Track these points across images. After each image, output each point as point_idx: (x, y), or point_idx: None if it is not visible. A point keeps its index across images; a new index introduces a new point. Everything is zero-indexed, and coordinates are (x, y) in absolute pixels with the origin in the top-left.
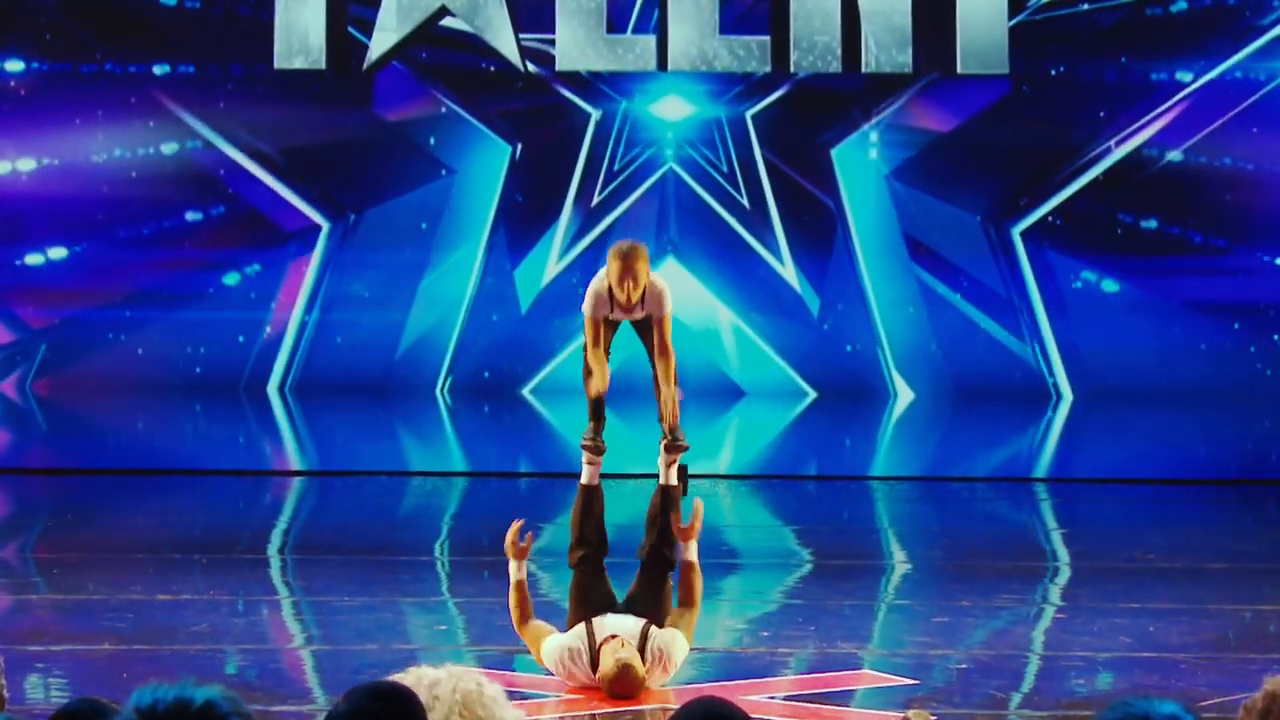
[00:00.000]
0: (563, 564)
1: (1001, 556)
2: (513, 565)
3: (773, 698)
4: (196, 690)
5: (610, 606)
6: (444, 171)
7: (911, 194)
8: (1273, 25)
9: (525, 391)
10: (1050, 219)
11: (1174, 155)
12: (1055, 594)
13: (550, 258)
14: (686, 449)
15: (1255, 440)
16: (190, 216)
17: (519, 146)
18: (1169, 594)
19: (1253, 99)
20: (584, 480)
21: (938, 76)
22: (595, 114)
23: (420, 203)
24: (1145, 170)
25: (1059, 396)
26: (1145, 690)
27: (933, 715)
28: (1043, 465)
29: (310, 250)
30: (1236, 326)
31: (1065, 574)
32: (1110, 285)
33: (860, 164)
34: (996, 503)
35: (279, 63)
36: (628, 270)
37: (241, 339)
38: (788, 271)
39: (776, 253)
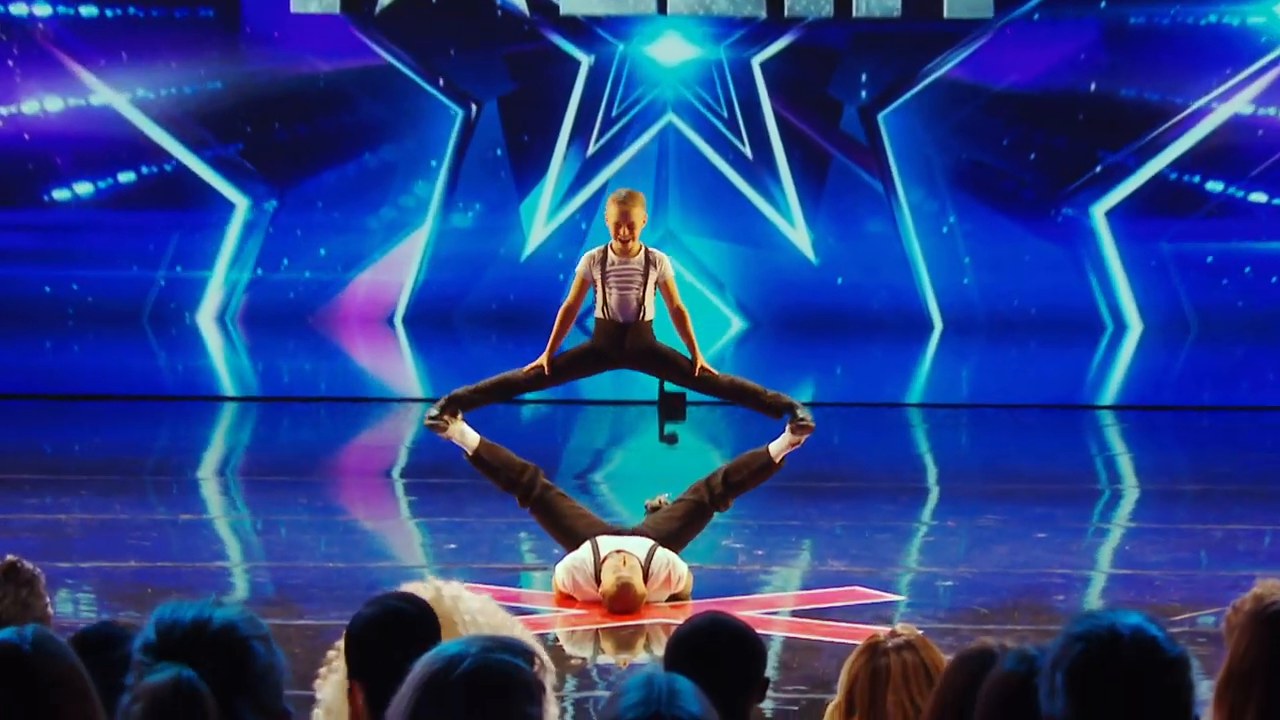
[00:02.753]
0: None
1: (989, 479)
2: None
3: (769, 613)
4: (216, 610)
5: (612, 529)
6: (401, 127)
7: (947, 145)
8: None
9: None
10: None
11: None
12: (1040, 516)
13: (538, 216)
14: (813, 429)
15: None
16: (123, 178)
17: (493, 101)
18: (1140, 514)
19: None
20: (469, 452)
21: (1003, 20)
22: (587, 60)
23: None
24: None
25: (1121, 327)
26: (1117, 604)
27: (918, 629)
28: (1099, 393)
29: (262, 206)
30: None
31: (1052, 496)
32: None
33: (892, 119)
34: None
35: (294, 7)
36: (624, 215)
37: (179, 268)
38: (799, 234)
39: (784, 209)
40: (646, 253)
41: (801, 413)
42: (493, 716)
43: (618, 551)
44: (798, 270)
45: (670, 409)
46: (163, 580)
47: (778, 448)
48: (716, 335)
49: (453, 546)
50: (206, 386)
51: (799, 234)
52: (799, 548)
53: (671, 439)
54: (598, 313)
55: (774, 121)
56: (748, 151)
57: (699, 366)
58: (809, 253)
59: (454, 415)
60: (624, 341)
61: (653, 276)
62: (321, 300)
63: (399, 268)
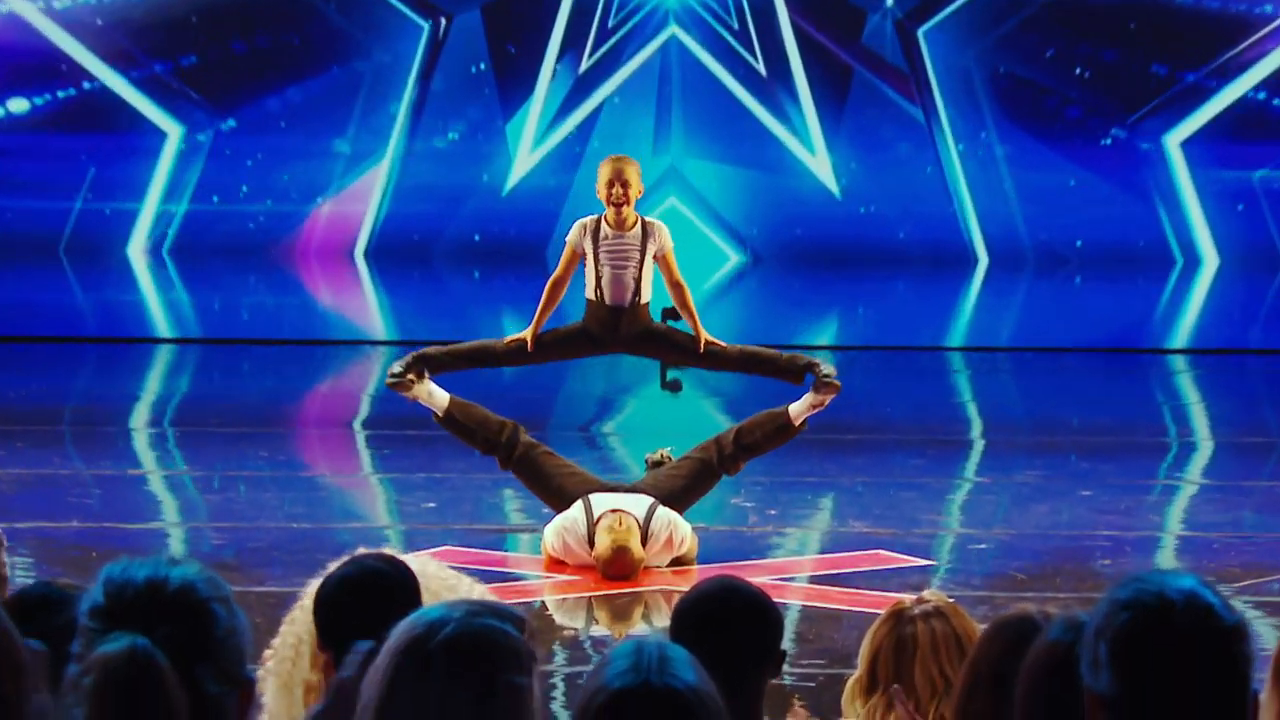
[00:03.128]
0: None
1: (1028, 430)
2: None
3: (783, 579)
4: (172, 569)
5: (607, 486)
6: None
7: (989, 61)
8: None
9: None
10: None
11: None
12: (1084, 471)
13: (525, 139)
14: (839, 389)
15: None
16: (38, 100)
17: (475, 11)
18: (1206, 470)
19: None
20: (439, 413)
21: None
22: None
23: (333, 84)
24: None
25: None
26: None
27: (949, 598)
28: (1168, 335)
29: (202, 132)
30: None
31: (1098, 450)
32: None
33: (930, 34)
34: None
35: None
36: (616, 173)
37: (108, 212)
38: (818, 161)
39: (802, 133)
40: (643, 224)
41: (825, 369)
42: (478, 687)
43: (613, 510)
44: (817, 200)
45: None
46: (109, 542)
47: (799, 409)
48: (719, 271)
49: (431, 505)
50: (137, 327)
51: (819, 160)
52: (817, 507)
53: (675, 386)
54: (589, 293)
55: (791, 34)
56: (761, 68)
57: (704, 342)
58: (829, 181)
59: (420, 375)
60: (618, 326)
61: (650, 250)
62: (274, 234)
63: (361, 198)
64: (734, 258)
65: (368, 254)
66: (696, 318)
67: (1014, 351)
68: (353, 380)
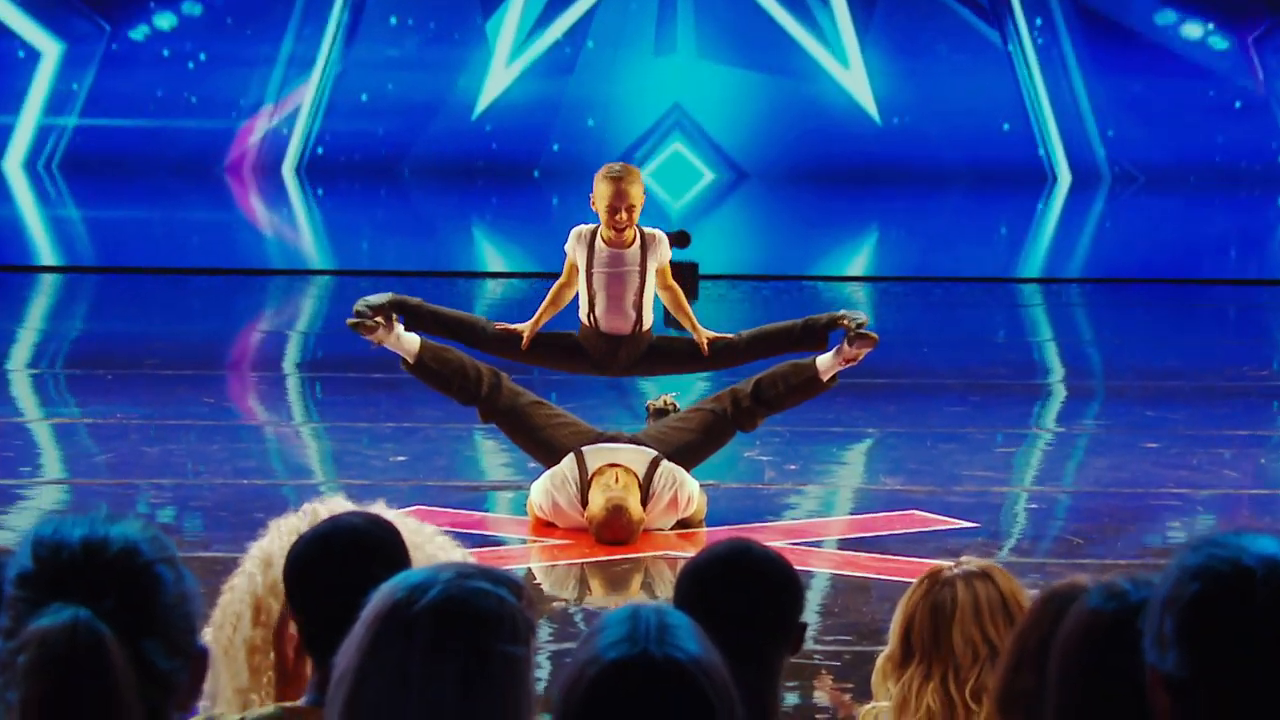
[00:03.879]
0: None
1: (1086, 372)
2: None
3: (805, 543)
4: (110, 528)
5: (603, 436)
6: None
7: None
8: None
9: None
10: None
11: None
12: (1150, 420)
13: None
14: (876, 341)
15: None
16: None
17: None
18: None
19: None
20: (409, 359)
21: None
22: None
23: None
24: None
25: None
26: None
27: (997, 564)
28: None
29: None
30: None
31: (1166, 395)
32: None
33: None
34: (1138, 307)
35: None
36: (620, 195)
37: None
38: (852, 73)
39: (829, 33)
40: (642, 237)
41: (855, 319)
42: (467, 656)
43: (610, 465)
44: (846, 109)
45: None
46: (18, 500)
47: (828, 362)
48: (728, 192)
49: (401, 459)
50: (13, 253)
51: (852, 69)
52: (843, 461)
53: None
54: (582, 315)
55: None
56: None
57: (707, 341)
58: (861, 86)
59: (390, 322)
60: (618, 353)
61: (651, 266)
62: (195, 150)
63: (294, 110)
64: (746, 176)
65: (299, 172)
66: (694, 319)
67: (1085, 283)
68: (295, 314)
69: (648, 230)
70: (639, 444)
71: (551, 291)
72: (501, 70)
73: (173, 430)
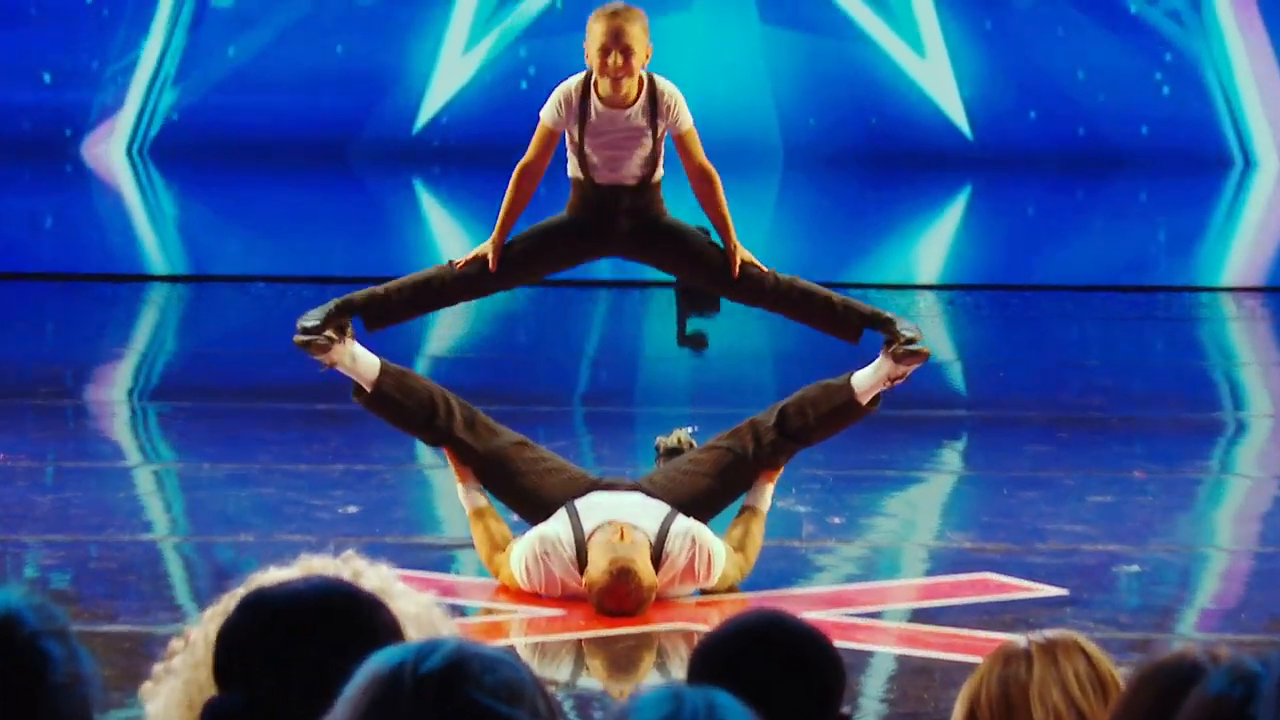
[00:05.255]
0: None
1: (1194, 402)
2: (460, 491)
3: (850, 615)
4: None
5: (600, 484)
6: None
7: None
8: None
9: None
10: None
11: None
12: (1274, 460)
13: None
14: (927, 356)
15: None
16: None
17: None
18: None
19: None
20: (365, 386)
21: None
22: None
23: None
24: None
25: None
26: None
27: (1090, 640)
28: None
29: None
30: None
31: None
32: None
33: None
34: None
35: None
36: (615, 33)
37: (48, 78)
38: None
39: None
40: (650, 91)
41: (905, 331)
42: None
43: (611, 521)
44: (918, 83)
45: (695, 294)
46: None
47: (866, 381)
48: (769, 178)
49: (352, 510)
50: None
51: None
52: (897, 512)
53: (697, 342)
54: (572, 170)
55: None
56: None
57: (738, 259)
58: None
59: (343, 333)
60: (617, 212)
61: (661, 128)
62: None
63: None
64: (779, 157)
65: (139, 153)
66: (731, 226)
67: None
68: (205, 328)
69: (657, 82)
70: (645, 493)
71: (512, 182)
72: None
73: (69, 474)
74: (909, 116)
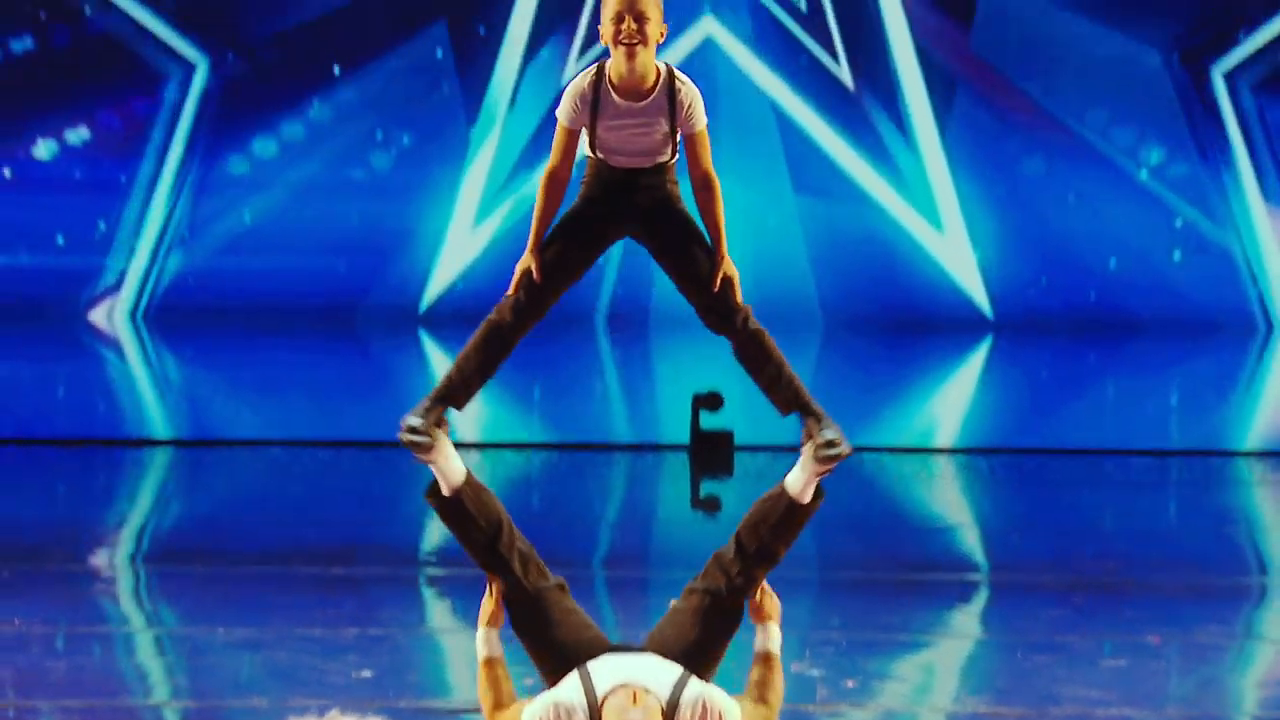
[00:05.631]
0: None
1: (1213, 567)
2: (481, 634)
3: None
4: None
5: (614, 647)
6: None
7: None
8: None
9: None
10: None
11: None
12: None
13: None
14: (844, 456)
15: None
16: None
17: None
18: None
19: None
20: (445, 489)
21: None
22: None
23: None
24: None
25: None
26: None
27: None
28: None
29: (181, 98)
30: None
31: None
32: None
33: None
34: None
35: None
36: (630, 3)
37: (61, 241)
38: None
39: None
40: (668, 81)
41: (827, 432)
42: None
43: (624, 685)
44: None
45: (709, 458)
46: None
47: (799, 483)
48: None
49: (366, 674)
50: None
51: (950, 240)
52: (910, 676)
53: (712, 505)
54: (587, 149)
55: (903, 23)
56: (846, 77)
57: (721, 270)
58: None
59: (442, 425)
60: (635, 189)
61: (679, 118)
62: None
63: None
64: (796, 323)
65: (142, 318)
66: (724, 238)
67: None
68: (216, 491)
69: (676, 75)
70: (658, 654)
71: (542, 187)
72: (461, 235)
73: (82, 640)
74: (928, 287)
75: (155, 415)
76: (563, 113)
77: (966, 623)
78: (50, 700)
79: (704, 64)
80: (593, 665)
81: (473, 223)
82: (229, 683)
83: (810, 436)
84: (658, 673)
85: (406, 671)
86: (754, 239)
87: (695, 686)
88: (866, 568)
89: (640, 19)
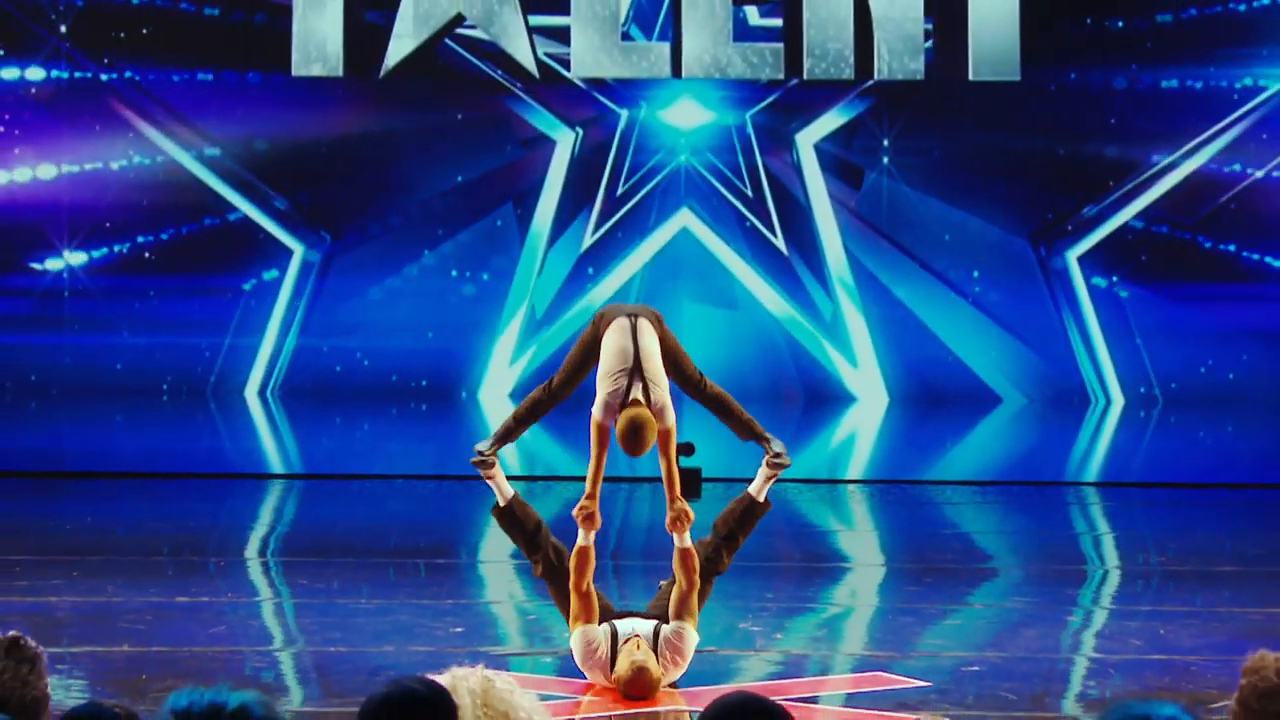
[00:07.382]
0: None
1: (1020, 559)
2: (581, 532)
3: (789, 700)
4: (231, 695)
5: (628, 614)
6: (460, 178)
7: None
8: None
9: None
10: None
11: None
12: (1070, 598)
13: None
14: (788, 465)
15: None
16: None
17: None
18: (1180, 597)
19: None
20: (501, 502)
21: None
22: (573, 135)
23: (437, 208)
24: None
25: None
26: (1151, 692)
27: (945, 717)
28: (1088, 469)
29: (316, 260)
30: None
31: (1084, 578)
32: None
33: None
34: (1014, 506)
35: (297, 70)
36: (635, 436)
37: (225, 344)
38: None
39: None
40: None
41: (776, 446)
42: None
43: (633, 635)
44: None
45: (685, 486)
46: (156, 666)
47: (757, 488)
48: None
49: (459, 630)
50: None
51: (863, 373)
52: (822, 631)
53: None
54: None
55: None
56: (780, 242)
57: (676, 511)
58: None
59: (498, 447)
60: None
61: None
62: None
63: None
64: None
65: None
66: (677, 481)
67: (1003, 485)
68: (363, 512)
69: (655, 400)
70: (655, 619)
71: (591, 462)
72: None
73: (259, 606)
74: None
75: (287, 456)
76: (597, 415)
77: (857, 595)
78: (251, 646)
79: (685, 243)
80: (620, 622)
81: (509, 361)
82: (370, 634)
83: (767, 452)
84: (646, 625)
85: (486, 628)
86: (731, 345)
87: (663, 629)
88: (789, 560)
89: (641, 445)
